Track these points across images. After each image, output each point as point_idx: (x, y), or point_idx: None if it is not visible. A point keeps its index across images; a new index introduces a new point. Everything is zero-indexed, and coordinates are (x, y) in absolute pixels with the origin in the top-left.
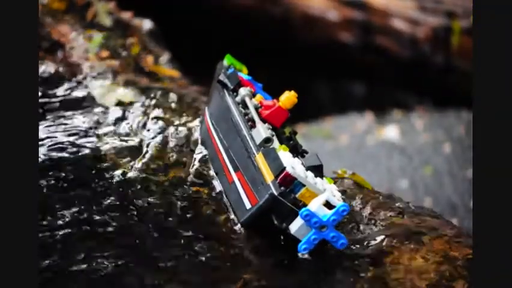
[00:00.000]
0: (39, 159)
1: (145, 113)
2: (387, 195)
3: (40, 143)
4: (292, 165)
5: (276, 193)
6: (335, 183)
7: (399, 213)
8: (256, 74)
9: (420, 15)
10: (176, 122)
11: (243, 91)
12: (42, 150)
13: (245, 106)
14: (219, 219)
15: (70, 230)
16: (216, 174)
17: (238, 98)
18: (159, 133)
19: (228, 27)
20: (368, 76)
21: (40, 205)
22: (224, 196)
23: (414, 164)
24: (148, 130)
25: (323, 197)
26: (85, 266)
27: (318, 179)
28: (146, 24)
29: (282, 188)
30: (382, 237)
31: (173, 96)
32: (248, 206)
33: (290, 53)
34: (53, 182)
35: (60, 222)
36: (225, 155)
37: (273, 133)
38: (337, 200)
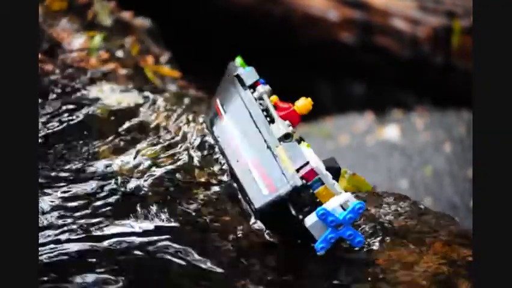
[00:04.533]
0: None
1: (146, 115)
2: (387, 195)
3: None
4: (317, 161)
5: (298, 184)
6: None
7: (400, 213)
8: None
9: (421, 15)
10: (179, 121)
11: (261, 88)
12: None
13: (260, 103)
14: (221, 220)
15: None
16: (228, 163)
17: (255, 95)
18: (160, 133)
19: (228, 27)
20: (368, 76)
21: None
22: (235, 184)
23: (414, 164)
24: (149, 130)
25: (342, 197)
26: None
27: (335, 181)
28: (146, 24)
29: (303, 181)
30: (382, 237)
31: (173, 97)
32: (265, 192)
33: (290, 53)
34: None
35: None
36: (240, 144)
37: (294, 130)
38: (350, 201)
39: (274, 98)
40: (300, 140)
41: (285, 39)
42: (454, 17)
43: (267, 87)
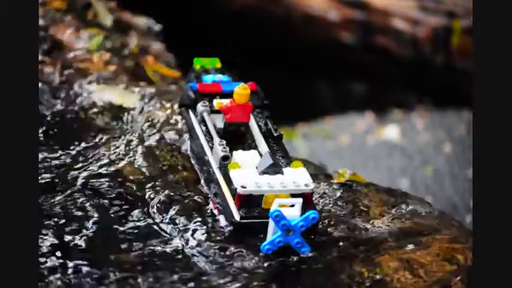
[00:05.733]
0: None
1: (145, 116)
2: (387, 194)
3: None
4: (242, 183)
5: (237, 219)
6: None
7: (400, 213)
8: (255, 74)
9: (421, 15)
10: (179, 124)
11: (200, 107)
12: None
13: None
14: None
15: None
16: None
17: (199, 118)
18: (160, 136)
19: (228, 27)
20: (368, 76)
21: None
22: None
23: (414, 164)
24: (145, 131)
25: (276, 203)
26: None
27: (277, 176)
28: (147, 23)
29: (241, 210)
30: (382, 237)
31: (173, 97)
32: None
33: (290, 53)
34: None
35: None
36: (204, 182)
37: (227, 149)
38: (304, 186)
39: (219, 103)
40: (267, 118)
41: (285, 39)
42: (454, 17)
43: (205, 105)
